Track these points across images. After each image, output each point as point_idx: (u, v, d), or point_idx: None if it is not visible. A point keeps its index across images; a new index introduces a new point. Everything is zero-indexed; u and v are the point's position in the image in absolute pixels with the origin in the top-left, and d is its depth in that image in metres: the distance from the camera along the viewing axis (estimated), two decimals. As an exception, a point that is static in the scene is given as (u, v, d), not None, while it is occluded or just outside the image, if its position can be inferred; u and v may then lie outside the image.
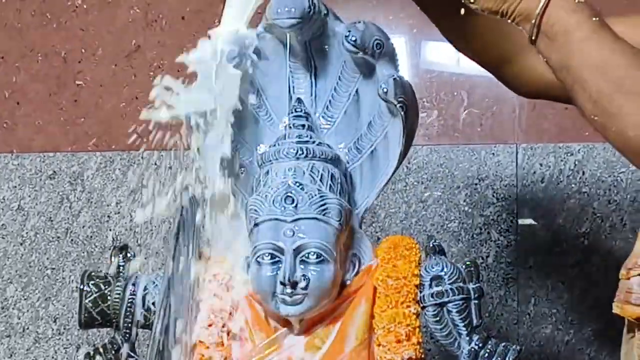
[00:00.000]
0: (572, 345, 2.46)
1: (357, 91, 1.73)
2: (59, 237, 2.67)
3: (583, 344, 2.45)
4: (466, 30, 1.69)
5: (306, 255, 1.61)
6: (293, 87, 1.76)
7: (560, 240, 2.48)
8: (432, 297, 1.66)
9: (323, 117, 1.75)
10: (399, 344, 1.63)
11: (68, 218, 2.66)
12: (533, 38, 1.42)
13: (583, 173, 2.48)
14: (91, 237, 2.65)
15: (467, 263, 1.70)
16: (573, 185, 2.48)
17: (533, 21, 1.41)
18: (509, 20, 1.44)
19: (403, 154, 1.71)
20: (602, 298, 2.43)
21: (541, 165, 2.50)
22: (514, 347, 1.66)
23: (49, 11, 2.72)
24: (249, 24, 1.67)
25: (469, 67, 2.53)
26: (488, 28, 1.67)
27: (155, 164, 2.63)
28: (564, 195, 2.48)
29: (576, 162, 2.48)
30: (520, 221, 2.48)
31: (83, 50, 2.70)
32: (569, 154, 2.49)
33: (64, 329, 2.65)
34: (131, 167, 2.65)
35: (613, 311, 1.50)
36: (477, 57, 1.78)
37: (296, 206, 1.63)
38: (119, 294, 1.70)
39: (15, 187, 2.70)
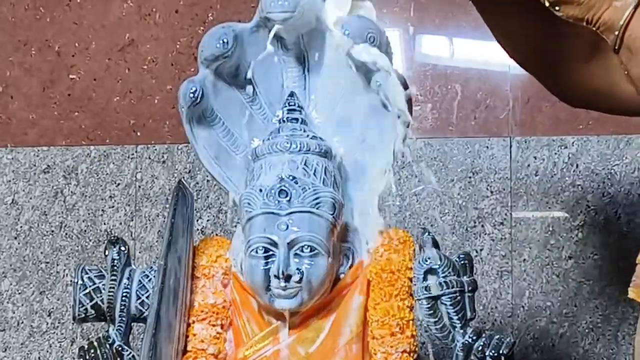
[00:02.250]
0: (566, 338, 2.46)
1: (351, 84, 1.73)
2: (53, 231, 2.66)
3: (577, 336, 2.46)
4: (524, 36, 1.65)
5: (300, 248, 1.61)
6: (286, 80, 1.76)
7: (555, 233, 2.48)
8: (425, 290, 1.66)
9: (317, 110, 1.75)
10: (392, 337, 1.63)
11: (62, 212, 2.66)
12: (616, 48, 1.41)
13: (577, 166, 2.48)
14: (85, 231, 2.65)
15: (461, 256, 1.70)
16: (567, 178, 2.48)
17: (616, 32, 1.40)
18: (593, 29, 1.43)
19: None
20: (597, 291, 2.45)
21: (535, 158, 2.50)
22: (508, 340, 1.66)
23: (42, 5, 2.71)
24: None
25: (463, 60, 2.54)
26: (549, 36, 1.64)
27: (149, 157, 2.64)
28: (558, 188, 2.48)
29: (570, 155, 2.48)
30: (515, 214, 2.49)
31: (77, 44, 2.70)
32: (563, 147, 2.49)
33: (59, 322, 2.65)
34: (125, 161, 2.64)
35: (628, 296, 1.49)
36: (529, 65, 1.72)
37: (290, 200, 1.62)
38: (113, 287, 1.70)
39: (10, 181, 2.69)
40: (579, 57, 1.59)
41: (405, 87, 1.67)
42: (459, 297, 1.66)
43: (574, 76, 1.63)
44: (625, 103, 1.50)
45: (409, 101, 1.70)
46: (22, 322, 2.66)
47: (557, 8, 1.43)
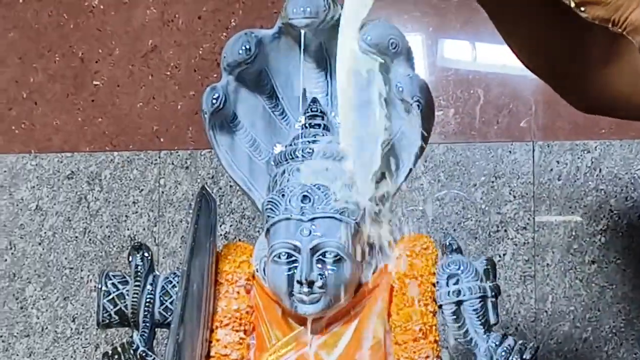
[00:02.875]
0: (590, 342, 2.45)
1: (373, 90, 1.73)
2: (77, 237, 2.67)
3: (601, 341, 2.45)
4: (536, 43, 1.64)
5: (323, 254, 1.61)
6: (309, 86, 1.76)
7: (578, 237, 2.47)
8: (448, 295, 1.66)
9: (339, 116, 1.75)
10: (415, 342, 1.63)
11: (86, 218, 2.67)
12: None
13: (600, 170, 2.47)
14: (109, 236, 2.66)
15: (484, 261, 1.70)
16: (590, 183, 2.48)
17: None
18: (619, 30, 1.41)
19: (419, 153, 1.71)
20: (620, 295, 2.44)
21: (558, 162, 2.49)
22: (531, 344, 1.66)
23: (66, 12, 2.73)
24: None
25: (485, 65, 2.54)
26: (563, 43, 1.62)
27: (173, 163, 2.65)
28: (581, 193, 2.48)
29: (593, 160, 2.48)
30: (537, 219, 2.48)
31: (100, 51, 2.71)
32: (585, 152, 2.48)
33: (83, 328, 2.66)
34: (149, 166, 2.65)
35: None
36: (543, 72, 1.70)
37: (313, 205, 1.63)
38: (137, 293, 1.70)
39: (34, 187, 2.71)
40: (595, 63, 1.58)
41: (426, 88, 1.67)
42: (482, 303, 1.66)
43: (590, 83, 1.62)
44: None
45: (431, 105, 1.70)
46: (47, 328, 2.67)
47: (582, 9, 1.42)
